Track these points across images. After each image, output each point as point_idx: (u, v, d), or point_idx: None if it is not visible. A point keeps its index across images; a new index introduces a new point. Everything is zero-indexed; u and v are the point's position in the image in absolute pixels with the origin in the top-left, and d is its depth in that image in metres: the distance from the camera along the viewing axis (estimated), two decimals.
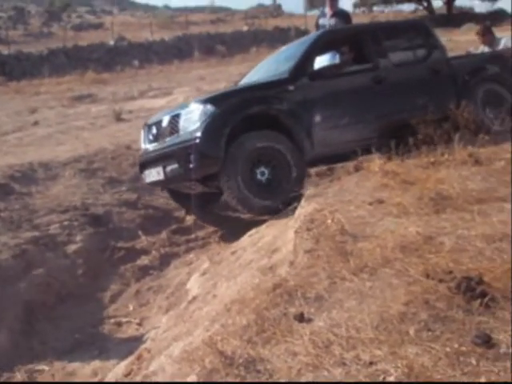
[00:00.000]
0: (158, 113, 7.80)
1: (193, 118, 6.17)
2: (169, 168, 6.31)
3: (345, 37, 7.65)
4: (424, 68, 7.43)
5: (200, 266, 6.12)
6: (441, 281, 2.93)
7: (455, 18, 51.42)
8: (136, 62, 28.94)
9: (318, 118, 6.44)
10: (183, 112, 6.38)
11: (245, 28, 39.22)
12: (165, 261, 6.80)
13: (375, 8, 58.70)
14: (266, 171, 6.15)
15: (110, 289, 6.36)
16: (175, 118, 6.46)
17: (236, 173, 5.97)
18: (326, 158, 6.79)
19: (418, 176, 4.80)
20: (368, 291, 3.01)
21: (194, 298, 4.97)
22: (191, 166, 6.01)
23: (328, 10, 8.81)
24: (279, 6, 58.84)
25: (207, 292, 4.82)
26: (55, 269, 6.26)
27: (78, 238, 6.75)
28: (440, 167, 5.05)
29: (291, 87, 6.49)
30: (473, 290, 2.80)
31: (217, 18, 50.49)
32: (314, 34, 8.27)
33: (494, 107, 7.26)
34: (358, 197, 4.62)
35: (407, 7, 58.42)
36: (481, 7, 60.50)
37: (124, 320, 5.77)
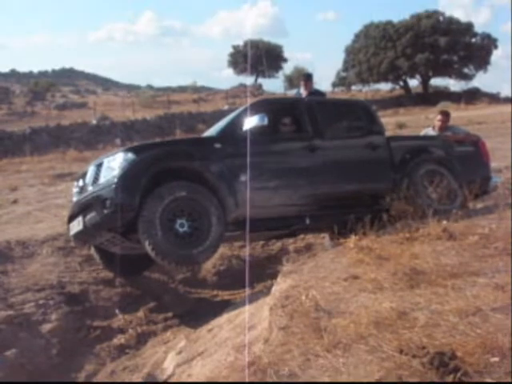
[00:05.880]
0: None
1: (114, 166, 6.18)
2: (88, 217, 6.22)
3: (281, 106, 7.78)
4: (361, 143, 7.54)
5: (177, 344, 6.01)
6: (414, 356, 2.92)
7: (431, 96, 53.02)
8: (118, 141, 29.17)
9: (243, 178, 6.35)
10: (106, 160, 6.40)
11: (225, 107, 39.88)
12: (142, 339, 6.66)
13: (353, 87, 60.37)
14: (186, 223, 6.06)
15: (84, 369, 6.20)
16: (99, 168, 6.48)
17: (153, 222, 5.88)
18: (256, 222, 6.42)
19: (392, 251, 4.83)
20: (341, 368, 2.99)
21: (170, 376, 4.88)
22: (105, 211, 5.96)
23: (303, 91, 8.94)
24: (260, 86, 60.14)
25: (182, 371, 4.74)
26: (29, 349, 6.13)
27: (53, 316, 6.62)
28: (414, 242, 5.09)
29: (218, 145, 6.57)
30: (446, 365, 2.79)
31: (198, 98, 51.43)
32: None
33: (436, 188, 7.19)
34: (333, 273, 4.63)
35: (384, 86, 60.15)
36: (455, 86, 62.23)
37: None
